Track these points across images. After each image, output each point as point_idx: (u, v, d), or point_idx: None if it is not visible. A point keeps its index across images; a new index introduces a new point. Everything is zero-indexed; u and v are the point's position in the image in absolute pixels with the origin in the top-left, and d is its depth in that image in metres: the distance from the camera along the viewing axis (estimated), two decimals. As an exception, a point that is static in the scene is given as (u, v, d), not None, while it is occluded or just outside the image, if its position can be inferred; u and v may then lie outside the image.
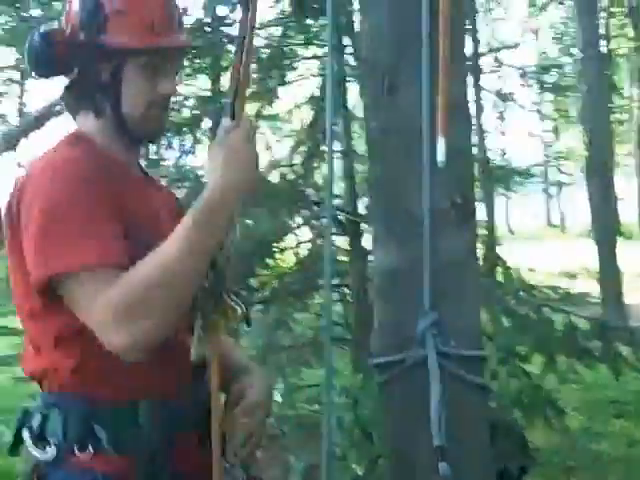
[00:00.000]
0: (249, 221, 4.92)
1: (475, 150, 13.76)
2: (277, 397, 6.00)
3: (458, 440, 1.72)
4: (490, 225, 15.06)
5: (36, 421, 1.50)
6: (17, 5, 5.71)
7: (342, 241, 5.47)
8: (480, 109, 15.23)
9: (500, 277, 5.53)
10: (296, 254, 5.49)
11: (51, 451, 1.47)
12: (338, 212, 5.31)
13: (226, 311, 1.51)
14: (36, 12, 5.72)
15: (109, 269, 1.38)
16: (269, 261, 5.08)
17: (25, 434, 1.52)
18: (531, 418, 4.82)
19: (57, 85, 1.64)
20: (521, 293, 4.91)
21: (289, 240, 5.39)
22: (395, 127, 1.85)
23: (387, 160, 1.86)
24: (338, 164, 5.81)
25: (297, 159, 5.62)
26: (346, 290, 5.43)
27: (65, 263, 1.39)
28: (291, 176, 5.21)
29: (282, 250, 5.27)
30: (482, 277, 5.24)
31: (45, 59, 1.56)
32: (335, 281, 5.58)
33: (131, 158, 1.65)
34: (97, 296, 1.35)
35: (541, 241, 27.38)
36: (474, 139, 14.38)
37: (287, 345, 5.36)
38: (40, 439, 1.49)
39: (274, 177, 5.36)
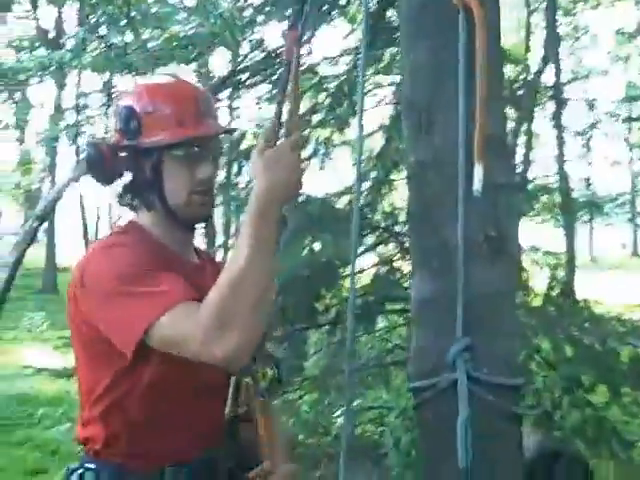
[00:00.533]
0: (316, 245, 5.02)
1: (556, 178, 13.64)
2: (339, 418, 6.10)
3: (489, 466, 1.77)
4: (570, 254, 14.85)
5: (74, 479, 1.68)
6: (100, 34, 6.06)
7: (408, 266, 5.53)
8: (562, 138, 15.05)
9: (567, 307, 5.48)
10: (360, 279, 5.57)
11: None
12: (405, 238, 5.40)
13: (257, 373, 1.65)
14: (117, 39, 6.06)
15: (187, 301, 1.50)
16: (334, 285, 5.18)
17: None
18: (596, 450, 4.76)
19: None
20: (587, 324, 4.86)
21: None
22: (432, 161, 1.93)
23: (424, 193, 1.93)
24: (405, 189, 5.90)
25: (365, 186, 5.70)
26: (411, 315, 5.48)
27: (147, 317, 1.51)
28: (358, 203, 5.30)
29: (344, 277, 5.36)
30: (548, 306, 5.21)
31: (99, 169, 1.72)
32: (400, 306, 5.65)
33: (186, 246, 1.79)
34: (188, 323, 1.47)
35: (626, 271, 26.70)
36: (555, 168, 14.22)
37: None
38: None
39: (341, 203, 5.46)
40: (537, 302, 5.43)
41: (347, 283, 5.90)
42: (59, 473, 6.25)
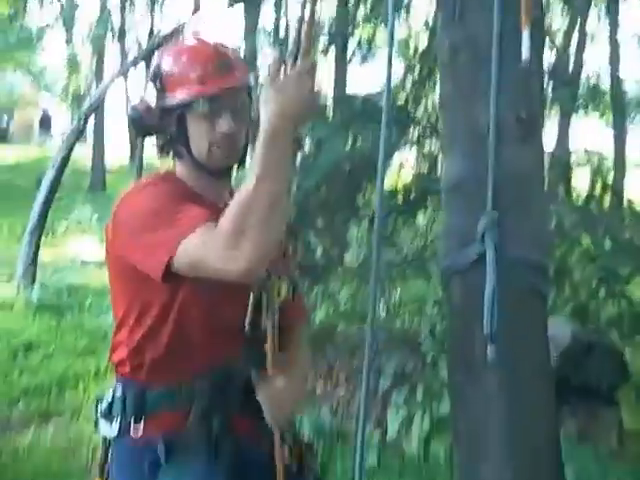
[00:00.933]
0: (358, 141, 5.07)
1: (608, 77, 13.27)
2: (381, 310, 6.28)
3: (513, 336, 1.85)
4: (619, 154, 14.59)
5: (105, 402, 1.86)
6: None
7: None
8: (616, 39, 14.53)
9: (609, 204, 5.49)
10: (400, 173, 5.63)
11: (115, 426, 1.83)
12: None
13: (274, 289, 1.80)
14: None
15: (205, 225, 1.61)
16: (374, 179, 5.25)
17: (98, 414, 1.89)
18: (630, 341, 4.86)
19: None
20: (628, 220, 4.88)
21: (396, 160, 5.54)
22: (465, 45, 1.94)
23: (456, 78, 1.96)
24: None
25: (409, 82, 5.69)
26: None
27: (173, 239, 1.62)
28: (402, 99, 5.31)
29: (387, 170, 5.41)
30: (591, 204, 5.22)
31: (140, 126, 1.88)
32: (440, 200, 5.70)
33: (219, 193, 1.89)
34: (208, 242, 1.57)
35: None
36: (608, 68, 13.82)
37: (391, 260, 5.58)
38: (108, 416, 1.85)
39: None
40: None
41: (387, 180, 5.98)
42: (106, 357, 6.59)
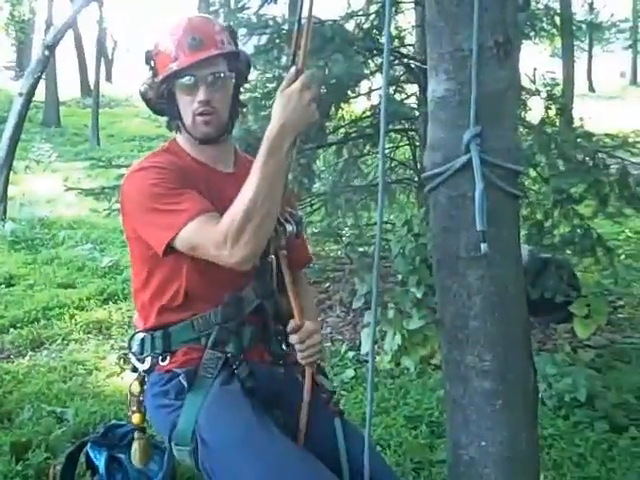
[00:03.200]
0: (326, 69, 5.22)
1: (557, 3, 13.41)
2: (348, 233, 6.52)
3: (493, 238, 2.06)
4: (568, 80, 14.86)
5: (136, 344, 2.16)
6: None
7: (413, 88, 5.73)
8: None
9: (562, 124, 5.73)
10: (369, 99, 5.79)
11: (147, 362, 2.14)
12: (410, 61, 5.59)
13: (280, 227, 2.06)
14: None
15: (207, 214, 1.93)
16: (343, 106, 5.42)
17: (131, 354, 2.20)
18: (581, 256, 5.19)
19: None
20: (579, 140, 5.13)
21: (363, 86, 5.70)
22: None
23: (441, 5, 2.16)
24: (411, 13, 6.03)
25: (373, 8, 5.81)
26: (414, 134, 5.76)
27: (174, 225, 1.92)
28: (367, 25, 5.45)
29: (355, 97, 5.57)
30: (546, 125, 5.47)
31: (148, 104, 2.17)
32: (402, 126, 5.88)
33: (217, 158, 2.17)
34: (206, 233, 1.89)
35: (624, 100, 26.58)
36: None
37: (357, 185, 5.79)
38: (140, 355, 2.16)
39: (350, 26, 5.59)
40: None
41: (355, 106, 6.14)
42: (87, 287, 6.76)
